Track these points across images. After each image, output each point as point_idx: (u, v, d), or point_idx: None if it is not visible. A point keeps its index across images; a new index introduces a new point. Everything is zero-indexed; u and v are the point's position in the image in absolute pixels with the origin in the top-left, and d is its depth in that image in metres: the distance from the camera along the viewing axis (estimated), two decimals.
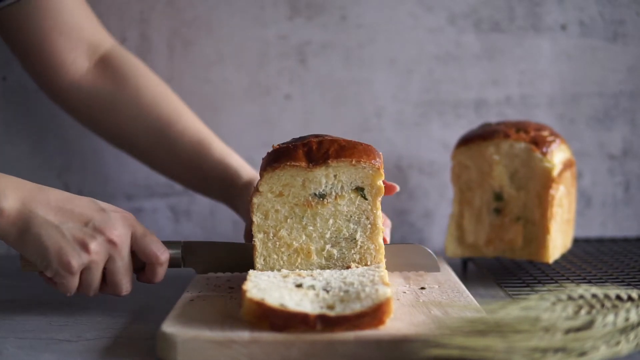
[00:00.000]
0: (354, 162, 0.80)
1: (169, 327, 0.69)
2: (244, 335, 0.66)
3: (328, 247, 0.83)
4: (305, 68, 1.21)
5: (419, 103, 1.22)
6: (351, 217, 0.82)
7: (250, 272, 0.79)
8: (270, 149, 0.88)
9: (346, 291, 0.71)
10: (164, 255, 0.82)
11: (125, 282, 0.80)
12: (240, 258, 0.87)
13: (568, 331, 0.62)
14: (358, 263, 0.83)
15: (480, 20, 1.21)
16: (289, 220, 0.82)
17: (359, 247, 0.83)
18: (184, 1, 1.20)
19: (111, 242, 0.78)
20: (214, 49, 1.21)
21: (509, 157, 0.99)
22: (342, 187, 0.82)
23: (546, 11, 1.20)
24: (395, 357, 0.65)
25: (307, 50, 1.21)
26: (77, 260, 0.76)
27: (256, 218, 0.82)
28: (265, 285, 0.73)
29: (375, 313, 0.67)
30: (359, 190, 0.82)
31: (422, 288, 0.84)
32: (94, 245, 0.76)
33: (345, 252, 0.83)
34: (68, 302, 0.89)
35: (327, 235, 0.83)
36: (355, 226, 0.83)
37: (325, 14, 1.21)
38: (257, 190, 0.82)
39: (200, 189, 1.05)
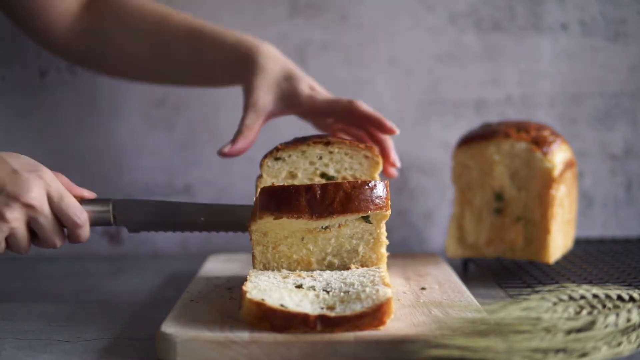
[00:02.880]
0: (361, 212, 0.77)
1: (169, 327, 0.69)
2: (244, 335, 0.66)
3: (329, 258, 0.82)
4: (305, 68, 1.21)
5: (419, 103, 1.22)
6: (354, 235, 0.81)
7: (251, 272, 0.79)
8: (270, 149, 0.88)
9: (346, 292, 0.71)
10: (80, 218, 0.80)
11: (55, 237, 0.80)
12: (172, 216, 0.85)
13: (569, 332, 0.62)
14: (357, 265, 0.82)
15: (480, 19, 1.20)
16: (289, 239, 0.80)
17: (360, 256, 0.82)
18: (183, 1, 1.20)
19: (28, 206, 0.76)
20: None
21: (510, 157, 0.99)
22: (346, 221, 0.80)
23: (547, 11, 1.20)
24: (395, 357, 0.65)
25: (307, 50, 1.21)
26: None
27: (255, 235, 0.80)
28: (265, 286, 0.73)
29: (376, 313, 0.67)
30: (364, 217, 0.80)
31: (423, 288, 0.84)
32: (10, 214, 0.75)
33: (347, 261, 0.82)
34: (67, 303, 0.89)
35: (329, 250, 0.81)
36: (358, 241, 0.81)
37: (325, 13, 1.20)
38: (254, 220, 0.79)
39: (205, 80, 1.03)
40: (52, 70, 1.21)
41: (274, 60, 0.95)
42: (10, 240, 0.78)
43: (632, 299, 0.69)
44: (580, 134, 1.22)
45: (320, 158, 0.86)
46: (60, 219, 0.80)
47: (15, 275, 1.07)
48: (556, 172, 0.97)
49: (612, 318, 0.64)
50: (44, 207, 0.78)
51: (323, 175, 0.86)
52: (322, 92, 0.95)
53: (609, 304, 0.67)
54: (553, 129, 1.03)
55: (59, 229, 0.80)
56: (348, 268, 0.82)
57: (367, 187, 0.76)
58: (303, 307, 0.67)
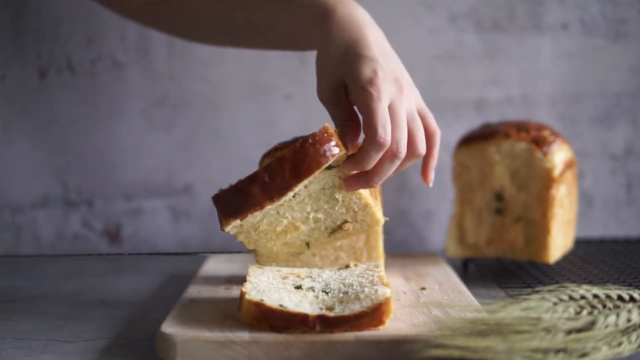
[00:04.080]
0: (316, 171, 0.72)
1: (169, 327, 0.68)
2: (244, 335, 0.66)
3: (312, 214, 0.79)
4: (306, 68, 1.21)
5: None
6: (324, 186, 0.77)
7: (250, 272, 0.78)
8: (270, 148, 0.88)
9: (345, 292, 0.71)
10: None
11: None
12: None
13: (569, 332, 0.62)
14: (349, 220, 0.80)
15: (480, 19, 1.20)
16: (265, 219, 0.78)
17: (340, 202, 0.79)
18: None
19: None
20: (214, 48, 1.20)
21: (510, 157, 0.99)
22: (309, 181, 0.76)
23: (547, 10, 1.20)
24: (395, 357, 0.65)
25: None
26: None
27: (231, 230, 0.78)
28: (264, 287, 0.73)
29: (375, 313, 0.66)
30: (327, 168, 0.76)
31: (423, 288, 0.84)
32: None
33: (331, 211, 0.79)
34: (67, 303, 0.89)
35: (308, 209, 0.78)
36: (331, 189, 0.78)
37: None
38: (223, 227, 0.76)
39: (288, 38, 0.88)
40: (52, 70, 1.21)
41: (346, 29, 0.76)
42: None
43: (632, 299, 0.68)
44: (580, 134, 1.22)
45: None
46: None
47: (15, 275, 1.07)
48: (556, 172, 0.97)
49: (612, 318, 0.64)
50: None
51: None
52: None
53: (609, 304, 0.67)
54: (553, 129, 1.03)
55: None
56: (347, 266, 0.81)
57: (308, 145, 0.72)
58: (302, 308, 0.67)
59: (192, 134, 1.22)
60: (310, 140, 0.72)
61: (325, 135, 0.72)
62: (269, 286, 0.73)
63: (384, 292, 0.68)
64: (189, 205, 1.23)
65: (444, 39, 1.21)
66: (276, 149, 0.86)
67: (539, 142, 0.98)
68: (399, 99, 0.74)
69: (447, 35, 1.21)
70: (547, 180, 0.96)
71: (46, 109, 1.21)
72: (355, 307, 0.67)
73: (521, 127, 1.00)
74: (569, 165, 1.01)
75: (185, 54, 1.20)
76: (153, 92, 1.21)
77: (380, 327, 0.67)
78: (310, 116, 1.21)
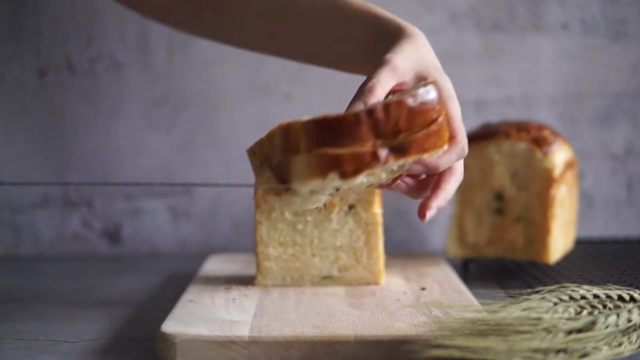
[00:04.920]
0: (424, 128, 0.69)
1: (169, 327, 0.68)
2: (244, 336, 0.66)
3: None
4: (306, 68, 1.20)
5: None
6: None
7: None
8: None
9: None
10: None
11: None
12: None
13: (570, 332, 0.62)
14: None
15: (481, 19, 1.20)
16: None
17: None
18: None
19: None
20: (214, 48, 1.20)
21: (510, 157, 0.99)
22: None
23: (547, 10, 1.20)
24: (395, 357, 0.65)
25: None
26: None
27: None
28: None
29: (439, 132, 0.68)
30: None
31: (423, 288, 0.84)
32: None
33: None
34: (67, 303, 0.89)
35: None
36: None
37: None
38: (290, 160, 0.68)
39: (342, 59, 0.88)
40: (52, 70, 1.21)
41: (410, 57, 0.80)
42: None
43: (632, 299, 0.68)
44: (580, 134, 1.21)
45: None
46: None
47: (14, 275, 1.07)
48: (556, 172, 0.97)
49: (612, 318, 0.64)
50: None
51: None
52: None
53: (610, 304, 0.67)
54: (553, 129, 1.03)
55: None
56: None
57: (427, 102, 0.68)
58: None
59: (192, 134, 1.22)
60: (432, 97, 0.69)
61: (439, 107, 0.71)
62: None
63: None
64: (189, 206, 1.23)
65: (443, 39, 1.21)
66: None
67: (539, 142, 0.98)
68: None
69: (447, 35, 1.20)
70: (547, 180, 0.96)
71: (46, 108, 1.21)
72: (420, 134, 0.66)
73: (521, 127, 1.00)
74: (569, 165, 1.01)
75: (185, 54, 1.20)
76: (153, 92, 1.21)
77: (444, 147, 0.70)
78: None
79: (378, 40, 0.80)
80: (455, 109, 0.79)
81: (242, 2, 0.88)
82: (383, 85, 0.72)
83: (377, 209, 0.86)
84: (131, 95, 1.21)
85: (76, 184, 1.24)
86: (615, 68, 1.21)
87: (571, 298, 0.67)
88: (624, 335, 0.64)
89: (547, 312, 0.63)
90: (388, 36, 0.80)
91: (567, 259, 1.04)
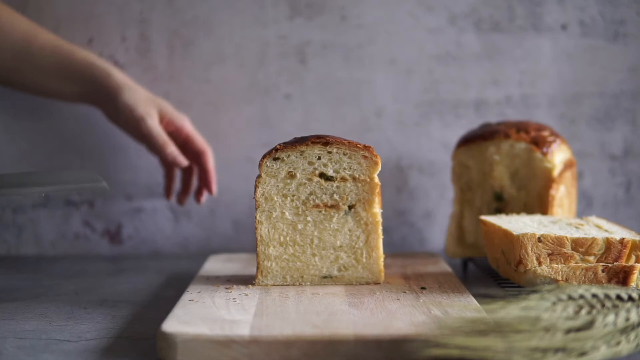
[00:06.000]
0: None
1: (169, 327, 0.69)
2: (244, 335, 0.66)
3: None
4: (305, 68, 1.21)
5: (419, 103, 1.22)
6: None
7: None
8: (269, 149, 0.88)
9: None
10: None
11: None
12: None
13: (568, 331, 0.62)
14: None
15: (480, 20, 1.21)
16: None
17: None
18: (183, 1, 1.20)
19: None
20: (214, 48, 1.21)
21: (510, 157, 0.99)
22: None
23: (546, 11, 1.20)
24: (395, 357, 0.65)
25: (307, 50, 1.21)
26: None
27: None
28: None
29: None
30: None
31: (423, 288, 0.84)
32: None
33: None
34: (68, 302, 0.89)
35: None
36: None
37: (325, 14, 1.21)
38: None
39: (72, 96, 1.10)
40: None
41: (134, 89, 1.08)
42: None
43: (630, 298, 0.69)
44: (579, 134, 1.22)
45: (319, 158, 0.86)
46: None
47: (16, 275, 1.08)
48: (556, 172, 0.97)
49: (611, 317, 0.64)
50: None
51: (322, 175, 0.86)
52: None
53: (608, 304, 0.67)
54: (553, 129, 1.04)
55: None
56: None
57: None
58: None
59: None
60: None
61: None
62: None
63: None
64: (189, 205, 1.23)
65: (443, 40, 1.21)
66: (276, 149, 0.87)
67: (539, 142, 0.98)
68: None
69: (446, 35, 1.21)
70: (546, 180, 0.97)
71: (46, 108, 1.21)
72: None
73: (521, 127, 1.01)
74: (568, 165, 1.01)
75: (185, 54, 1.21)
76: (153, 93, 1.21)
77: None
78: (310, 116, 1.22)
79: (97, 89, 1.08)
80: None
81: None
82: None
83: (377, 209, 0.87)
84: None
85: None
86: (614, 69, 1.21)
87: (570, 297, 0.67)
88: (622, 335, 0.65)
89: (546, 311, 0.64)
90: (102, 86, 1.08)
91: None
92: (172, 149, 1.06)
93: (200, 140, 1.11)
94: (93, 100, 1.10)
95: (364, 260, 0.88)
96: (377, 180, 0.86)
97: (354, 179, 0.86)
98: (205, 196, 1.15)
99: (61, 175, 0.87)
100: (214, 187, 1.13)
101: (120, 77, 1.08)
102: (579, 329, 0.63)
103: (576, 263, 0.78)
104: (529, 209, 0.98)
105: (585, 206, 1.22)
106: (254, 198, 0.87)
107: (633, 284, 0.77)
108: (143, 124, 1.05)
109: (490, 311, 0.64)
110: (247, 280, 0.89)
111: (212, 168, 1.12)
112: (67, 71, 1.07)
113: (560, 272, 0.78)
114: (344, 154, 0.86)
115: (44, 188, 0.86)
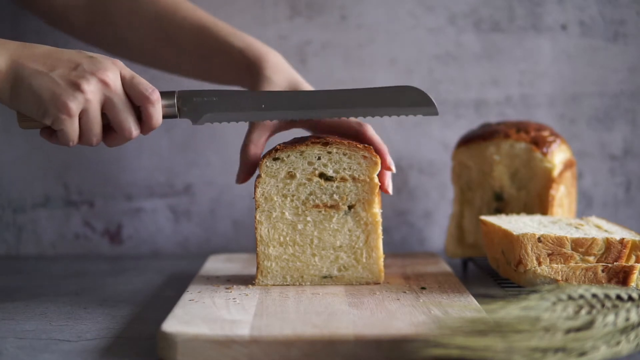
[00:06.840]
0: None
1: (169, 327, 0.69)
2: (244, 335, 0.66)
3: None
4: (305, 68, 1.21)
5: None
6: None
7: None
8: (269, 149, 0.88)
9: None
10: (153, 94, 0.81)
11: (130, 120, 0.81)
12: (234, 104, 0.86)
13: (568, 331, 0.62)
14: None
15: (480, 20, 1.21)
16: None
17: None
18: None
19: (103, 82, 0.78)
20: None
21: (510, 157, 0.99)
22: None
23: (546, 11, 1.20)
24: (395, 357, 0.65)
25: (307, 50, 1.21)
26: (72, 101, 0.76)
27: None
28: None
29: None
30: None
31: (423, 288, 0.84)
32: (87, 85, 0.77)
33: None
34: (68, 302, 0.89)
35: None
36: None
37: (325, 14, 1.21)
38: None
39: (210, 77, 1.02)
40: None
41: (281, 71, 0.93)
42: (83, 118, 0.79)
43: (630, 298, 0.69)
44: (579, 134, 1.22)
45: (319, 158, 0.86)
46: (133, 97, 0.81)
47: (16, 275, 1.08)
48: (556, 172, 0.97)
49: (611, 317, 0.64)
50: (117, 86, 0.79)
51: (322, 175, 0.86)
52: None
53: (608, 304, 0.67)
54: (553, 129, 1.04)
55: (133, 115, 0.81)
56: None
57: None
58: None
59: (192, 134, 1.22)
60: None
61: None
62: None
63: None
64: (190, 205, 1.23)
65: (443, 40, 1.21)
66: (276, 149, 0.87)
67: (539, 142, 0.98)
68: None
69: (446, 35, 1.21)
70: (546, 180, 0.97)
71: None
72: None
73: (521, 127, 1.01)
74: (568, 165, 1.01)
75: None
76: None
77: None
78: None
79: (242, 68, 0.95)
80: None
81: (128, 25, 1.00)
82: (256, 143, 0.92)
83: (377, 209, 0.87)
84: None
85: None
86: (613, 69, 1.21)
87: (570, 297, 0.67)
88: (622, 335, 0.65)
89: (546, 311, 0.64)
90: (250, 65, 0.94)
91: None
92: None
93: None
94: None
95: (364, 260, 0.88)
96: (376, 180, 0.86)
97: (353, 179, 0.86)
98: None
99: (385, 94, 0.84)
100: (388, 158, 0.90)
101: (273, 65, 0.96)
102: (579, 329, 0.63)
103: (576, 263, 0.78)
104: (529, 209, 0.98)
105: (585, 206, 1.22)
106: (253, 198, 0.87)
107: (633, 284, 0.77)
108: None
109: (490, 311, 0.64)
110: (247, 280, 0.89)
111: (377, 139, 0.91)
112: (206, 53, 0.98)
113: (560, 272, 0.78)
114: (344, 154, 0.86)
115: (366, 109, 0.84)
